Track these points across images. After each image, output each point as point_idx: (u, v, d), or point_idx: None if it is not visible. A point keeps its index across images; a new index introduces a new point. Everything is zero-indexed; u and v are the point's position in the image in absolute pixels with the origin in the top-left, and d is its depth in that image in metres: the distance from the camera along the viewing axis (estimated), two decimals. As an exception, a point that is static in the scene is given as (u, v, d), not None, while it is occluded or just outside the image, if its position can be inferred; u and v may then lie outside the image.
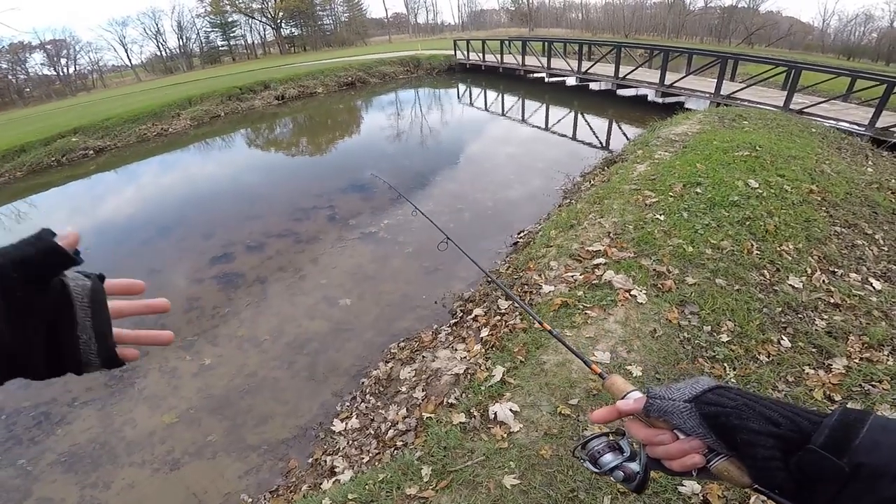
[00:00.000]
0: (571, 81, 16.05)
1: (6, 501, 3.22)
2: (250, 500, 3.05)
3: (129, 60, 55.66)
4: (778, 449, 0.51)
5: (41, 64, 48.95)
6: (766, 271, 3.75)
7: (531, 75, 18.31)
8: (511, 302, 3.86)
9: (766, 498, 0.54)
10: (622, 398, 0.67)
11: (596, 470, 0.70)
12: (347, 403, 3.69)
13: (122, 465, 3.42)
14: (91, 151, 13.50)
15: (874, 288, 3.71)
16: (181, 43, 54.63)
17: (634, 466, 0.67)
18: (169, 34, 72.23)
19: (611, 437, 0.71)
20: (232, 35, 55.61)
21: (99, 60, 53.88)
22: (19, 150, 13.03)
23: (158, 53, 55.63)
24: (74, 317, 0.50)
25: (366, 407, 3.52)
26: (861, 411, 0.50)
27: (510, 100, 16.53)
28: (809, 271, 3.82)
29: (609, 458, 0.69)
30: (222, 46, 56.32)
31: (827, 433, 0.48)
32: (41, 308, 0.47)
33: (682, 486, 2.17)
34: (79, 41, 54.00)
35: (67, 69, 50.06)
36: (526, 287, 3.91)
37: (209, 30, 55.04)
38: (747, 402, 0.55)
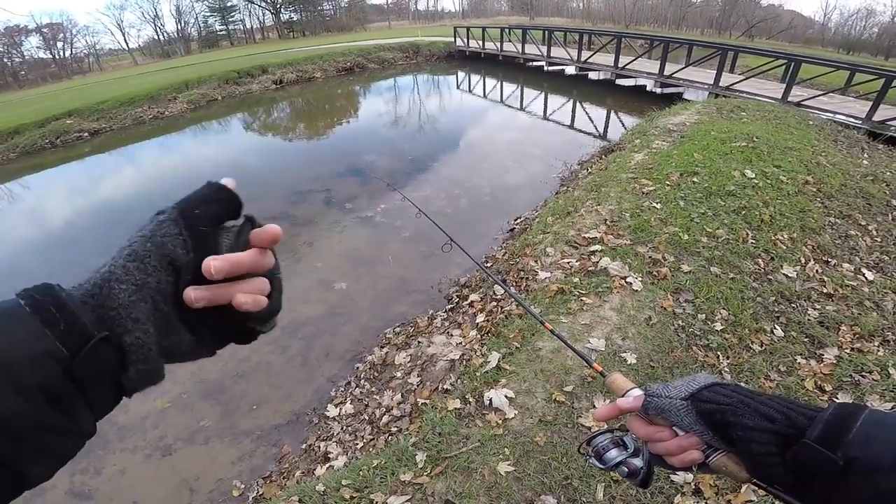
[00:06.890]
0: (571, 70, 15.96)
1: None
2: (243, 485, 3.04)
3: (127, 44, 54.86)
4: (774, 444, 0.51)
5: (37, 47, 48.28)
6: (760, 260, 3.76)
7: (530, 64, 18.21)
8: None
9: (760, 489, 0.54)
10: (622, 396, 0.68)
11: (601, 466, 0.71)
12: (342, 388, 3.68)
13: (113, 451, 3.38)
14: (86, 133, 13.33)
15: (866, 278, 3.73)
16: (179, 27, 53.91)
17: (638, 462, 0.68)
18: (167, 18, 71.77)
19: (615, 433, 0.73)
20: (230, 19, 54.85)
21: (96, 44, 53.07)
22: (13, 131, 12.86)
23: (156, 37, 54.82)
24: None
25: (360, 392, 3.52)
26: (855, 405, 0.50)
27: (509, 87, 16.39)
28: (803, 261, 3.83)
29: (614, 454, 0.70)
30: (220, 31, 55.53)
31: (821, 427, 0.49)
32: (222, 246, 0.47)
33: (675, 474, 2.18)
34: (76, 24, 53.32)
35: (64, 52, 49.33)
36: (522, 273, 3.91)
37: (208, 14, 54.29)
38: (743, 398, 0.55)
